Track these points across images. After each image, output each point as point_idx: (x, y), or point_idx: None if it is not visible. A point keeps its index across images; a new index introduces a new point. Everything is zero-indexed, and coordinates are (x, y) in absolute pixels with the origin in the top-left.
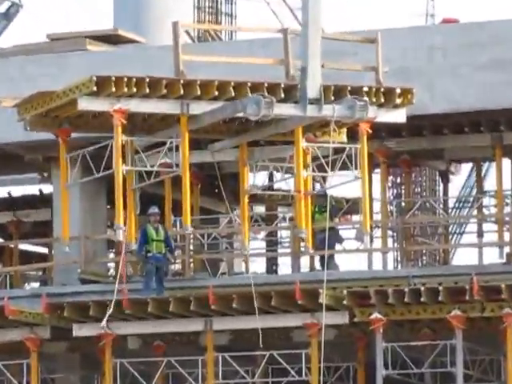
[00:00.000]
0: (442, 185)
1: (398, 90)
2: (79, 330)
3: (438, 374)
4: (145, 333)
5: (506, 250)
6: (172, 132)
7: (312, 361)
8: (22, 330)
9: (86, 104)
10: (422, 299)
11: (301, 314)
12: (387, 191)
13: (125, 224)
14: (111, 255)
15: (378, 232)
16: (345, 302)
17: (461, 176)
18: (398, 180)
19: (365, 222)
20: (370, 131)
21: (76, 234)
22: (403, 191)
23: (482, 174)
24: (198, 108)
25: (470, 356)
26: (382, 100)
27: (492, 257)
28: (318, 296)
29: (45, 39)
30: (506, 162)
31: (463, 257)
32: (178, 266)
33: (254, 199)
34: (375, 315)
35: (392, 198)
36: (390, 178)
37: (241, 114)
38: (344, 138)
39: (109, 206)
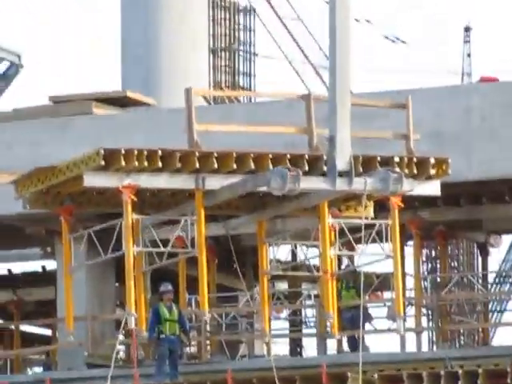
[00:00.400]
0: (480, 258)
1: (432, 160)
2: None
3: None
4: None
5: None
6: (185, 208)
7: None
8: None
9: (92, 180)
10: (460, 383)
11: None
12: (421, 266)
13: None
14: (120, 337)
15: (411, 310)
16: None
17: (501, 249)
18: (433, 253)
19: (398, 304)
20: (402, 205)
21: (82, 314)
22: (438, 265)
23: None
24: (214, 182)
25: None
26: (415, 171)
27: None
28: (347, 380)
29: (47, 102)
30: None
31: (504, 337)
32: (193, 349)
33: (276, 275)
34: None
35: (426, 273)
36: (424, 251)
37: (263, 189)
38: (371, 212)
39: (117, 284)
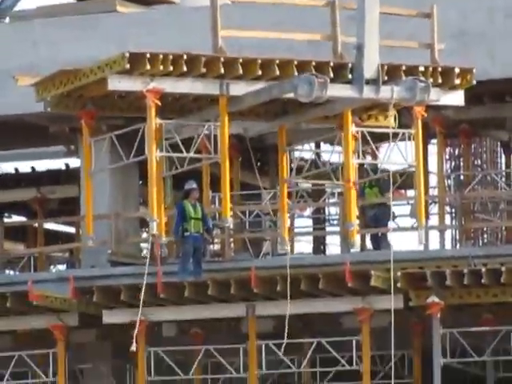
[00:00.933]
0: (504, 156)
1: (457, 70)
2: (110, 317)
3: (500, 363)
4: (181, 319)
5: None
6: (208, 114)
7: (363, 349)
8: (47, 317)
9: (116, 83)
10: (483, 281)
11: (351, 298)
12: (444, 164)
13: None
14: (144, 235)
15: (434, 208)
16: (399, 285)
17: None
18: (457, 152)
19: (420, 216)
20: (425, 115)
21: (106, 212)
22: (462, 164)
23: None
24: (238, 88)
25: None
26: (440, 81)
27: None
28: (370, 278)
29: (71, 0)
30: None
31: None
32: (217, 247)
33: (300, 172)
34: (432, 299)
35: (450, 171)
36: (448, 149)
37: (289, 96)
38: (392, 121)
39: (141, 182)
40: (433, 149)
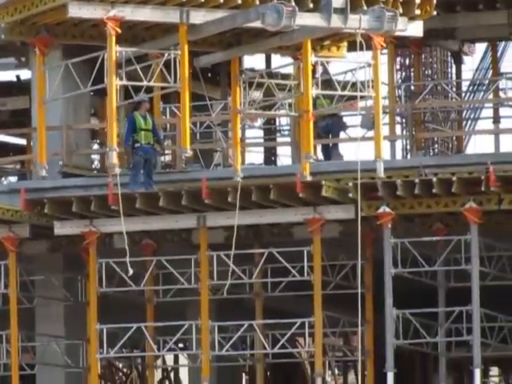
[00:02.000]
0: (454, 67)
1: (418, 0)
2: (61, 228)
3: (451, 272)
4: (133, 230)
5: None
6: (167, 41)
7: (314, 259)
8: None
9: (77, 10)
10: (434, 191)
11: (302, 209)
12: (395, 74)
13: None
14: (95, 146)
15: (385, 118)
16: (350, 195)
17: (475, 57)
18: (407, 62)
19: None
20: (384, 45)
21: (57, 124)
22: (412, 74)
23: (498, 55)
24: (198, 16)
25: (486, 252)
26: (400, 11)
27: (510, 144)
28: (321, 189)
29: None
30: None
31: (478, 144)
32: (168, 158)
33: (250, 83)
34: (383, 209)
35: (400, 81)
36: (398, 59)
37: (255, 24)
38: (345, 53)
39: (92, 93)
40: (383, 59)
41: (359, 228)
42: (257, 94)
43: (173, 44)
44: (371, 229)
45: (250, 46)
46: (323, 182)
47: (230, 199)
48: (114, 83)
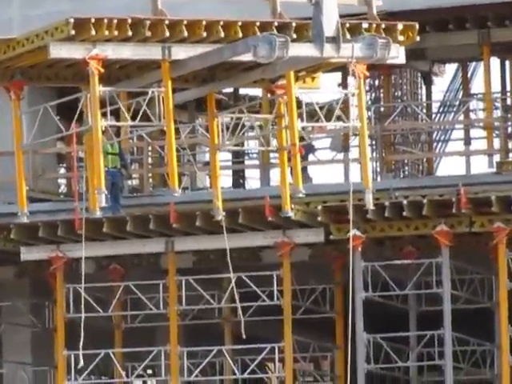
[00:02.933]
0: (424, 87)
1: (400, 27)
2: (28, 254)
3: (422, 296)
4: (100, 255)
5: (496, 158)
6: (151, 78)
7: (284, 283)
8: None
9: (58, 51)
10: (405, 214)
11: (271, 232)
12: (365, 95)
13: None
14: (62, 170)
15: (355, 140)
16: (319, 219)
17: (445, 78)
18: (376, 83)
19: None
20: (367, 74)
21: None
22: (382, 95)
23: (469, 75)
24: (180, 52)
25: (457, 275)
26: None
27: (481, 166)
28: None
29: None
30: (494, 61)
31: (449, 167)
32: (135, 182)
33: (219, 107)
34: (353, 232)
35: (370, 102)
36: (368, 80)
37: (245, 58)
38: (319, 83)
39: (59, 117)
40: (352, 80)
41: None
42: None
43: (153, 81)
44: (341, 252)
45: (226, 80)
46: (292, 206)
47: (198, 223)
48: (100, 123)
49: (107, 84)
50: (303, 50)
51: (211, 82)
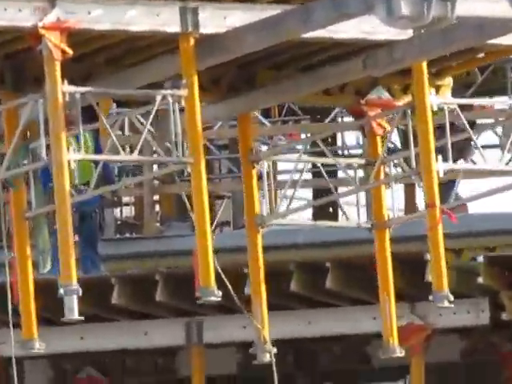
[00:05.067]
0: None
1: None
2: None
3: None
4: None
5: None
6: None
7: None
8: None
9: None
10: None
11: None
12: None
13: None
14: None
15: None
16: (480, 280)
17: None
18: None
19: None
20: None
21: None
22: None
23: None
24: (216, 18)
25: None
26: None
27: None
28: None
29: None
30: None
31: None
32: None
33: None
34: None
35: None
36: None
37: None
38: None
39: None
40: None
41: None
42: None
43: (163, 78)
44: None
45: (276, 89)
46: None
47: None
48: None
49: (78, 81)
50: (485, 5)
51: (245, 92)
